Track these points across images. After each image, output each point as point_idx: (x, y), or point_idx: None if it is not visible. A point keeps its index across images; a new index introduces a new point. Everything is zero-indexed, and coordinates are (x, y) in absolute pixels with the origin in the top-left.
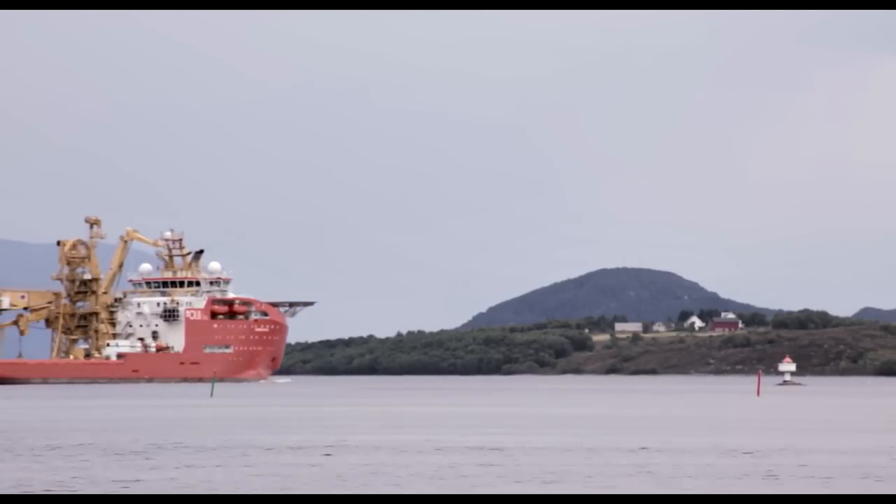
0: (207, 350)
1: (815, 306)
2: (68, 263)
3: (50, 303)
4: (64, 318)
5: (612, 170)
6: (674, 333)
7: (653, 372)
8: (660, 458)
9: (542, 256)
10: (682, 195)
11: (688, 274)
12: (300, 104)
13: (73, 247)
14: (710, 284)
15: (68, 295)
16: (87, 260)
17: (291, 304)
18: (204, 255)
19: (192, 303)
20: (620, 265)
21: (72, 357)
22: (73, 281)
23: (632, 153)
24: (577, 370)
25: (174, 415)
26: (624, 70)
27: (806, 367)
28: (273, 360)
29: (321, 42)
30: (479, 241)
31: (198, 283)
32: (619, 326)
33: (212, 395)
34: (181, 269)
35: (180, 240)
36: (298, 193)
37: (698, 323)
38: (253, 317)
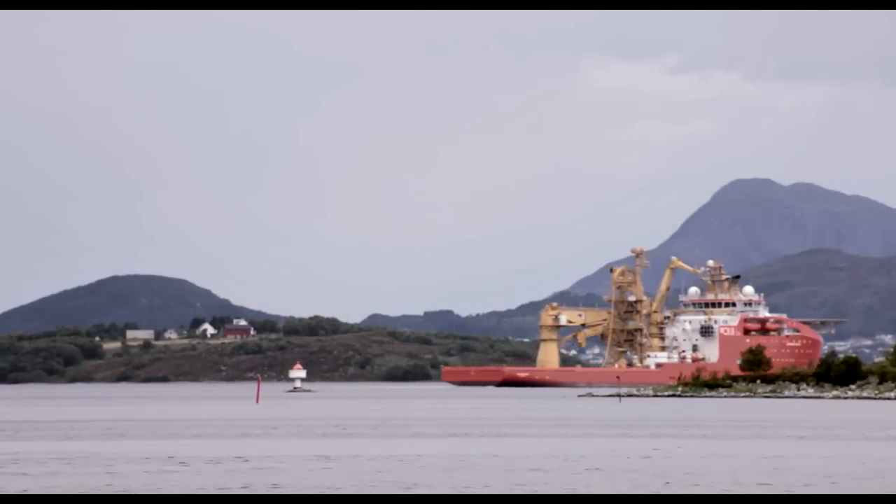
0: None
1: (327, 313)
2: (618, 287)
3: (604, 320)
4: (614, 333)
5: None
6: (186, 341)
7: (164, 379)
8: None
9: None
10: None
11: (200, 281)
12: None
13: (622, 273)
14: (222, 291)
15: (618, 314)
16: (633, 284)
17: (822, 322)
18: (740, 281)
19: (727, 321)
20: (131, 272)
21: (616, 366)
22: (622, 302)
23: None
24: (88, 378)
25: None
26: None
27: (316, 372)
28: None
29: None
30: None
31: (733, 304)
32: (130, 334)
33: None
34: (721, 293)
35: (720, 267)
36: None
37: (210, 330)
38: (785, 333)
